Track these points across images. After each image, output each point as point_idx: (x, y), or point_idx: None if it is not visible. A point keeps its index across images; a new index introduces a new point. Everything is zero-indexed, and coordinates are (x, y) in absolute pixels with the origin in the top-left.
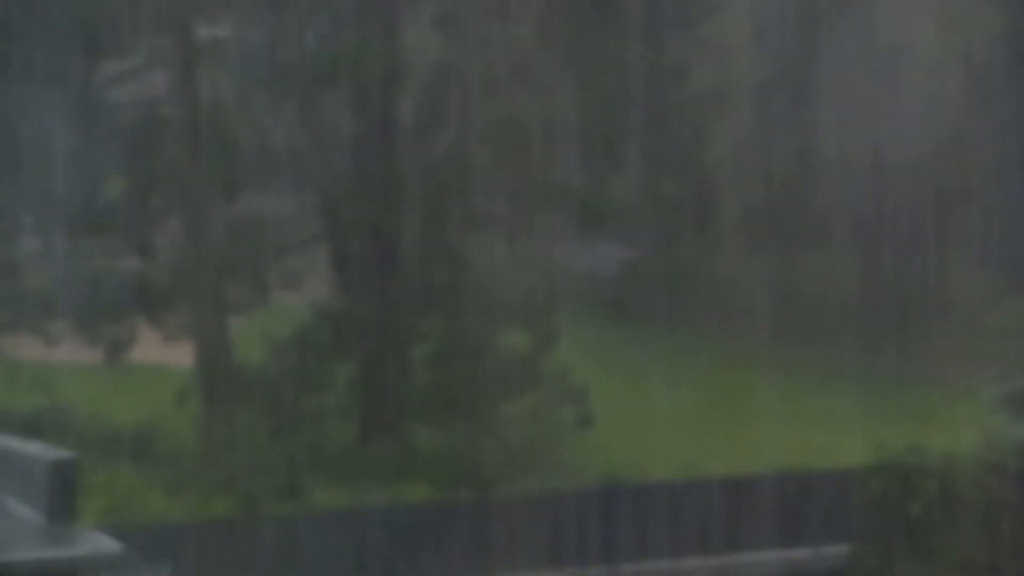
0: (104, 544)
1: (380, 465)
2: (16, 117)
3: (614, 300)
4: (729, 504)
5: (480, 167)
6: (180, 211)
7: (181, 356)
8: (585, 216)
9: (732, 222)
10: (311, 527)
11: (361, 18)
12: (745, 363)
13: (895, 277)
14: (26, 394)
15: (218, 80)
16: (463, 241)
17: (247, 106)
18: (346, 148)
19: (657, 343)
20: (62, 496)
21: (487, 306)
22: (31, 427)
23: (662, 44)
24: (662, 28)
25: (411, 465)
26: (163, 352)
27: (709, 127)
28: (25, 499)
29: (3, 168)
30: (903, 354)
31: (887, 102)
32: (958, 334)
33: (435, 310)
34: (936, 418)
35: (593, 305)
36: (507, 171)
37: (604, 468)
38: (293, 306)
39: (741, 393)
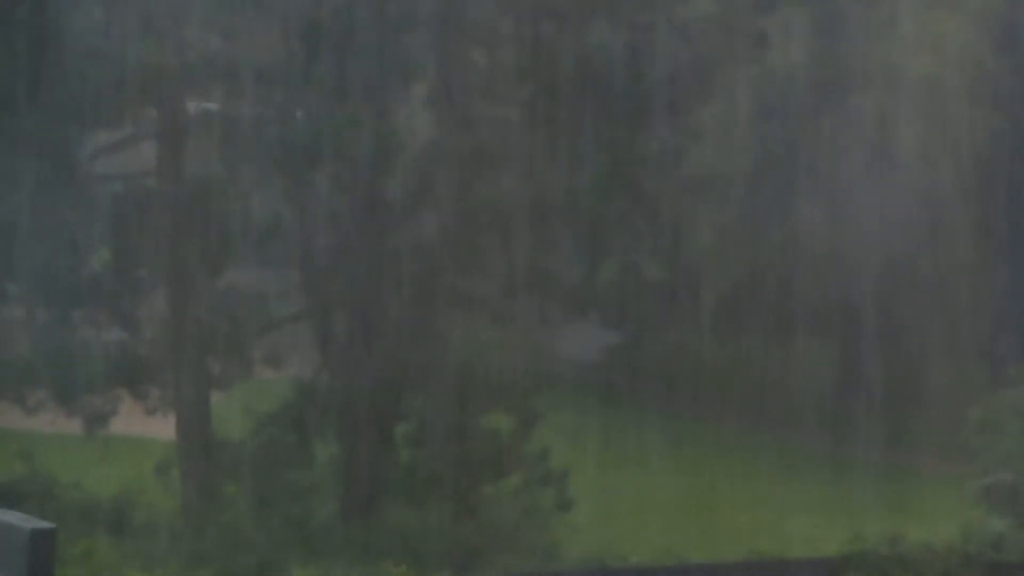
0: None
1: (359, 543)
2: (0, 185)
3: (597, 384)
4: None
5: (467, 248)
6: (164, 284)
7: (162, 429)
8: (570, 300)
9: (718, 309)
10: None
11: (351, 95)
12: (727, 449)
13: (880, 367)
14: (5, 463)
15: (206, 154)
16: (447, 321)
17: (234, 181)
18: (332, 225)
19: (639, 428)
20: (40, 566)
21: (470, 387)
22: (10, 496)
23: (652, 129)
24: (653, 113)
25: (390, 544)
26: (144, 424)
27: (698, 214)
28: (2, 568)
29: None
30: (886, 444)
31: (877, 193)
32: (941, 426)
33: (417, 390)
34: (915, 509)
35: (576, 388)
36: (493, 253)
37: (582, 551)
38: (275, 382)
39: (722, 479)
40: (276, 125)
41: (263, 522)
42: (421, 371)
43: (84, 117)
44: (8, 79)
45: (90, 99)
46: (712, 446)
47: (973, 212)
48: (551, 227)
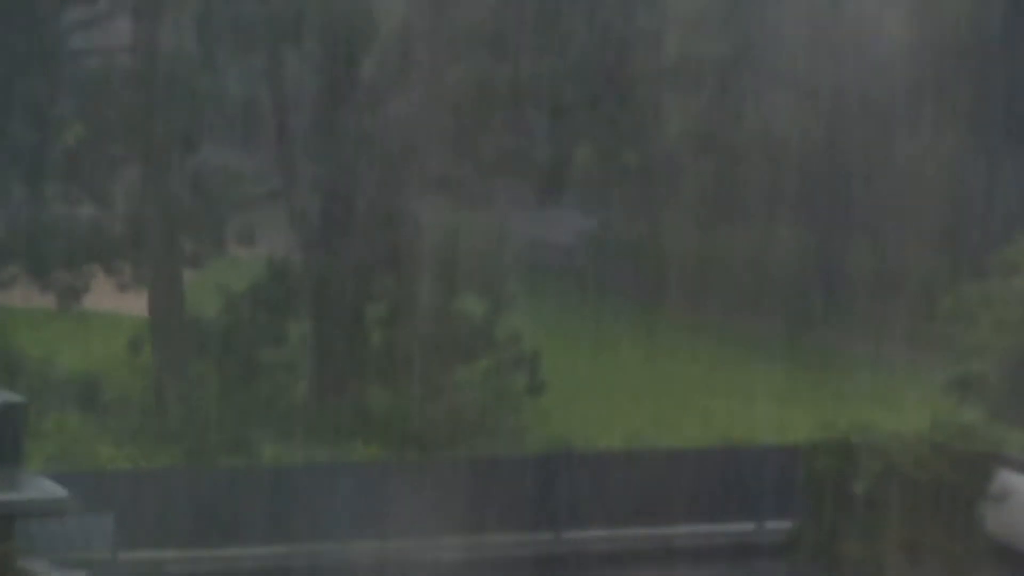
0: (49, 490)
1: (329, 423)
2: None
3: (570, 269)
4: (673, 476)
5: (441, 130)
6: (138, 161)
7: (135, 305)
8: (545, 184)
9: (691, 194)
10: (256, 482)
11: None
12: (699, 335)
13: (852, 256)
14: None
15: (181, 31)
16: (421, 204)
17: (210, 59)
18: (307, 105)
19: (611, 314)
20: (9, 440)
21: (442, 270)
22: None
23: (629, 13)
24: None
25: (360, 424)
26: (117, 301)
27: (673, 99)
28: None
29: None
30: (856, 333)
31: (853, 81)
32: (911, 316)
33: (390, 271)
34: (884, 398)
35: (549, 273)
36: (468, 135)
37: (551, 435)
38: (248, 261)
39: (693, 366)
40: (252, 3)
41: (233, 401)
42: (394, 253)
43: None
44: None
45: None
46: (684, 333)
47: (947, 100)
48: (526, 111)
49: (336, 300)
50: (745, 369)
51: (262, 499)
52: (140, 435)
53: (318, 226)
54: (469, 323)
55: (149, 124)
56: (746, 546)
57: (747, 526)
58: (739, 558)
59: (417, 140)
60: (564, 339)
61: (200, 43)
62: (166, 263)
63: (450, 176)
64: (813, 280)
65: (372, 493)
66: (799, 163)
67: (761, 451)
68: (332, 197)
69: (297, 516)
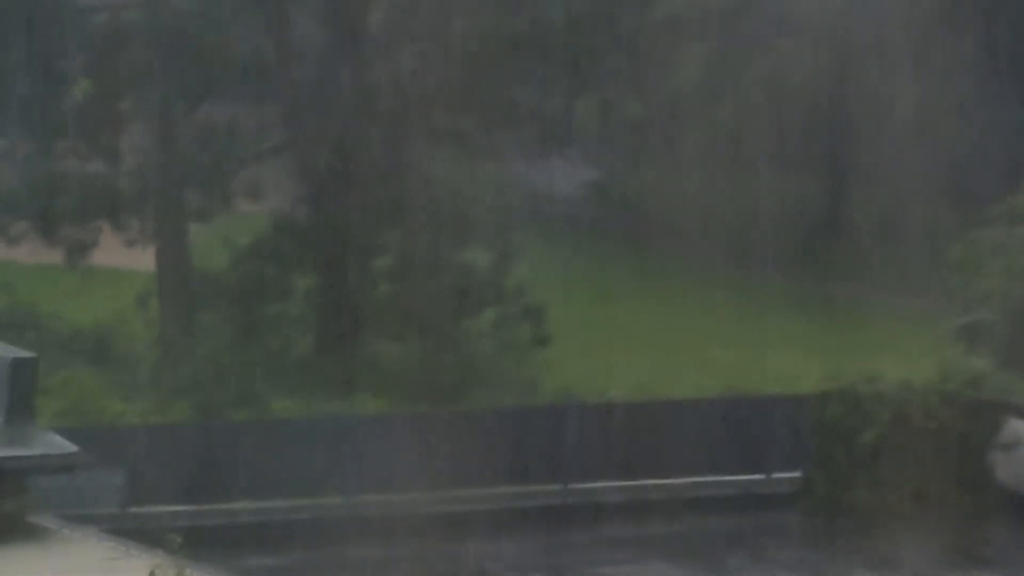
0: (60, 445)
1: (337, 376)
2: None
3: (575, 219)
4: (680, 426)
5: (447, 83)
6: (145, 116)
7: (142, 260)
8: (548, 135)
9: (697, 144)
10: (266, 435)
11: None
12: (705, 285)
13: (860, 205)
14: None
15: None
16: (426, 156)
17: (215, 13)
18: (313, 59)
19: (617, 264)
20: (20, 396)
21: (448, 222)
22: None
23: None
24: None
25: (368, 377)
26: (124, 256)
27: (678, 49)
28: None
29: None
30: (865, 282)
31: (857, 28)
32: (920, 264)
33: (396, 224)
34: (893, 347)
35: (554, 224)
36: (473, 87)
37: (559, 386)
38: (255, 215)
39: (700, 316)
40: None
41: (241, 354)
42: (399, 205)
43: None
44: None
45: None
46: (691, 283)
47: (955, 46)
48: (529, 62)
49: (343, 253)
50: (752, 319)
51: (271, 453)
52: (149, 390)
53: (324, 179)
54: (475, 275)
55: (156, 79)
56: (755, 497)
57: (756, 477)
58: (748, 508)
59: (422, 92)
60: (570, 290)
61: None
62: (173, 218)
63: (455, 128)
64: (821, 229)
65: (380, 446)
66: (806, 111)
67: (770, 400)
68: (337, 151)
69: (306, 470)
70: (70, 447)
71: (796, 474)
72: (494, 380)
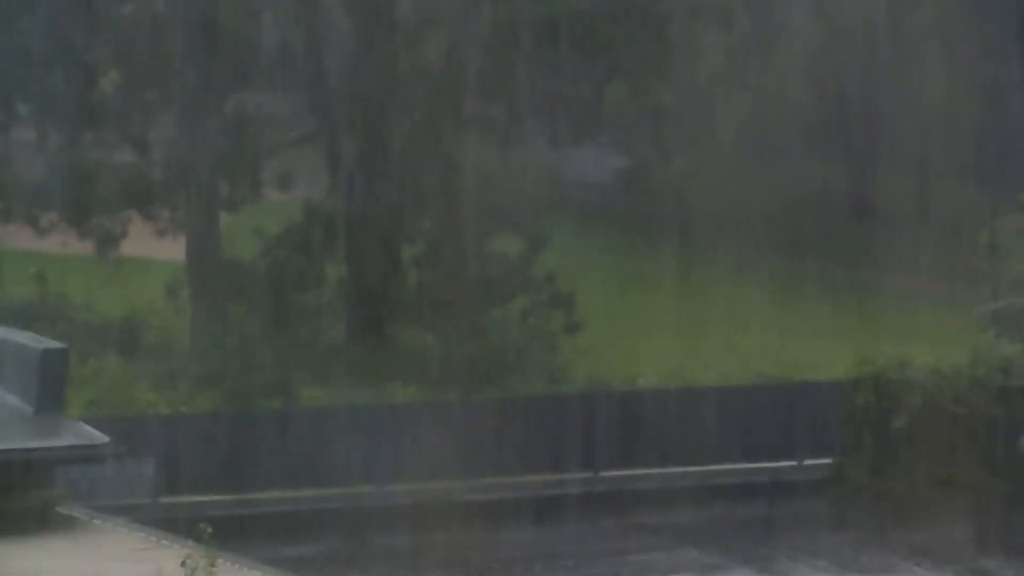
0: (90, 435)
1: (367, 364)
2: (14, 8)
3: (605, 207)
4: (711, 414)
5: (476, 71)
6: (175, 106)
7: (172, 250)
8: (578, 122)
9: (725, 131)
10: (296, 424)
11: None
12: (735, 272)
13: (888, 192)
14: (17, 284)
15: None
16: (457, 144)
17: (244, 2)
18: (342, 47)
19: (647, 252)
20: (50, 386)
21: (478, 210)
22: (22, 317)
23: None
24: None
25: (398, 365)
26: (154, 246)
27: (706, 35)
28: (13, 388)
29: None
30: (895, 268)
31: (884, 12)
32: (949, 250)
33: (425, 212)
34: (923, 333)
35: (584, 212)
36: (502, 76)
37: (589, 374)
38: (284, 204)
39: (730, 303)
40: None
41: (271, 344)
42: (429, 193)
43: None
44: None
45: None
46: (720, 270)
47: (983, 31)
48: (558, 50)
49: (373, 242)
50: (782, 305)
51: (302, 442)
52: (179, 379)
53: (353, 168)
54: (505, 263)
55: (185, 69)
56: (786, 484)
57: (787, 463)
58: (779, 495)
59: (452, 80)
60: (600, 277)
61: None
62: (203, 208)
63: (485, 116)
64: (850, 216)
65: (411, 434)
66: (834, 97)
67: (801, 387)
68: (366, 139)
69: (337, 458)
70: (101, 437)
71: (827, 460)
72: (524, 368)
